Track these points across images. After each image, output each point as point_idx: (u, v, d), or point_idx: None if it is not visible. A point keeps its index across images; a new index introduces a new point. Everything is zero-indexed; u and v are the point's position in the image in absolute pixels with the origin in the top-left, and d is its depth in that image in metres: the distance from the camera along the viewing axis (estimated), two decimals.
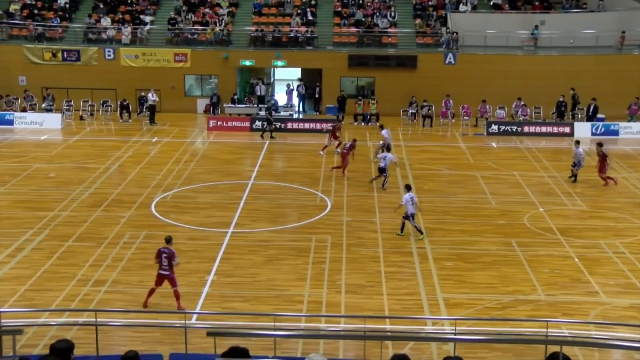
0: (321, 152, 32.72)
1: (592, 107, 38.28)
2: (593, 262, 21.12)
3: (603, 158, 28.28)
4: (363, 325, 14.97)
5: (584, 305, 18.51)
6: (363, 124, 39.31)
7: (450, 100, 39.50)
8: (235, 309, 17.83)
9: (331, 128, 33.25)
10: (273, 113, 38.19)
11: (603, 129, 36.79)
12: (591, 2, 44.84)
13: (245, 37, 43.10)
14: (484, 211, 25.56)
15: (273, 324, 15.19)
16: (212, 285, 19.26)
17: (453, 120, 39.43)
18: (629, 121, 37.69)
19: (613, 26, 41.84)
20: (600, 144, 28.53)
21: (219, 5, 45.26)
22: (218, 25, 43.53)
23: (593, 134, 36.73)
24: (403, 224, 23.12)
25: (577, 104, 39.44)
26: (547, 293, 19.15)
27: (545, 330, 14.75)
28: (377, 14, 43.81)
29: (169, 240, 17.84)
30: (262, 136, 36.31)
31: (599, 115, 38.28)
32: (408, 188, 23.66)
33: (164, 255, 17.54)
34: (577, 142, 29.66)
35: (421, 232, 22.93)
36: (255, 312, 17.54)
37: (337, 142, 32.79)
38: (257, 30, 43.14)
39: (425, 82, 40.33)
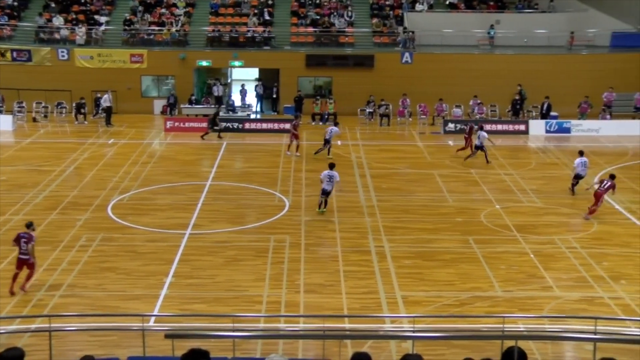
0: (288, 153, 32.66)
1: (545, 105, 38.86)
2: (548, 257, 21.46)
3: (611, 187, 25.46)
4: (322, 325, 15.01)
5: (539, 300, 18.81)
6: (321, 123, 39.37)
7: (408, 99, 39.77)
8: (194, 310, 17.73)
9: (291, 126, 33.12)
10: (230, 113, 38.02)
11: (556, 127, 37.37)
12: (542, 3, 45.55)
13: (202, 38, 42.88)
14: (442, 209, 25.79)
15: (232, 325, 15.14)
16: (170, 287, 19.13)
17: (410, 119, 39.70)
18: (579, 119, 38.34)
19: (563, 27, 42.64)
20: (612, 176, 25.50)
21: (175, 5, 44.93)
22: (175, 25, 43.23)
23: (547, 131, 37.30)
24: (322, 201, 24.79)
25: (524, 99, 40.05)
26: (504, 289, 19.41)
27: (502, 325, 14.94)
28: (334, 13, 43.91)
29: (29, 225, 18.60)
30: (208, 132, 36.19)
31: (552, 113, 38.87)
32: (331, 166, 25.25)
33: (22, 239, 18.21)
34: (580, 153, 28.06)
35: (319, 207, 24.73)
36: (214, 314, 17.46)
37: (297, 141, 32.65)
38: (214, 30, 42.93)
39: (383, 81, 40.53)
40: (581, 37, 42.39)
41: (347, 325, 17.20)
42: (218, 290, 19.03)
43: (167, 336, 10.40)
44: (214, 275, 20.00)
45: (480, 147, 31.26)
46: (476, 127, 32.46)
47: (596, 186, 25.23)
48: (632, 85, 39.79)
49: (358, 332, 16.15)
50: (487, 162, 31.11)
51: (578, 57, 41.39)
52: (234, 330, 14.47)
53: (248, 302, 18.47)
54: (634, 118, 38.68)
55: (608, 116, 38.70)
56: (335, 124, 33.29)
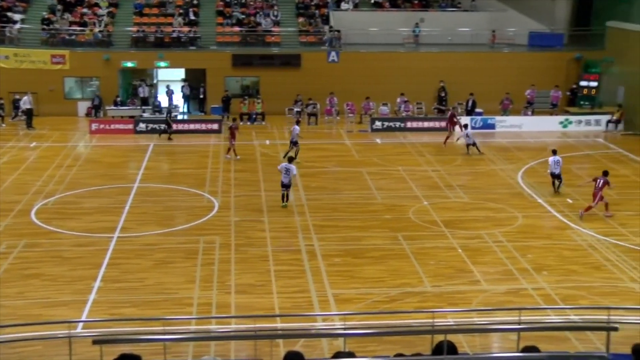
0: (227, 156, 32.06)
1: (470, 102, 39.63)
2: (475, 252, 21.91)
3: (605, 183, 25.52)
4: (254, 325, 14.97)
5: (467, 294, 19.19)
6: (249, 123, 39.22)
7: (335, 98, 39.94)
8: (123, 314, 17.45)
9: (230, 130, 32.46)
10: (156, 115, 37.51)
11: (481, 123, 38.12)
12: (465, 2, 46.46)
13: (126, 38, 42.15)
14: (371, 207, 26.02)
15: (163, 328, 14.95)
16: (98, 291, 18.78)
17: (338, 118, 39.89)
18: (501, 115, 39.22)
19: (485, 25, 43.62)
20: (605, 173, 25.64)
21: (97, 5, 44.01)
22: (97, 25, 42.35)
23: (472, 127, 37.95)
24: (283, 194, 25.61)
25: (446, 93, 40.78)
26: (433, 284, 19.73)
27: (431, 320, 15.16)
28: (260, 13, 43.78)
29: None
30: (160, 135, 35.71)
31: (477, 110, 39.67)
32: (289, 160, 26.42)
33: None
34: (554, 152, 28.13)
35: (282, 201, 25.63)
36: (144, 317, 17.21)
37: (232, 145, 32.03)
38: (138, 30, 42.25)
39: (310, 80, 40.61)
40: (502, 36, 43.47)
41: (279, 325, 17.21)
42: (148, 294, 18.77)
43: (95, 342, 10.15)
44: (144, 278, 19.73)
45: (474, 144, 32.92)
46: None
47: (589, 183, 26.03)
48: (548, 83, 40.98)
49: (290, 331, 16.16)
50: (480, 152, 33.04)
51: (499, 55, 42.36)
52: (164, 333, 14.27)
53: (178, 304, 18.28)
54: (551, 114, 39.77)
55: (530, 112, 39.70)
56: (297, 122, 33.12)
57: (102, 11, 43.48)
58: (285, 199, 25.73)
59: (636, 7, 39.38)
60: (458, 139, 34.51)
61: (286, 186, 25.57)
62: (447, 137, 34.76)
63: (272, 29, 43.11)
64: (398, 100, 40.36)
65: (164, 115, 37.43)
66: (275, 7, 44.50)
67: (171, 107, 38.82)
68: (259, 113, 39.68)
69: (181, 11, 43.49)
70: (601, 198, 24.89)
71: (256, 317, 16.23)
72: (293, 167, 25.67)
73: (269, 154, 32.89)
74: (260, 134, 36.90)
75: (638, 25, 38.15)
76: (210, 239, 22.67)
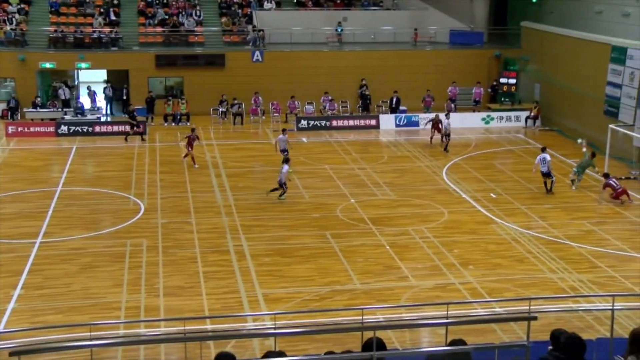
0: (196, 166, 30.81)
1: (394, 100, 40.10)
2: (403, 248, 22.21)
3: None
4: (183, 327, 14.84)
5: (396, 290, 19.46)
6: (173, 124, 38.74)
7: (260, 97, 39.83)
8: (47, 322, 17.02)
9: (187, 138, 31.57)
10: (79, 117, 36.66)
11: (406, 121, 38.63)
12: (387, 1, 47.01)
13: (43, 38, 41.04)
14: (298, 206, 26.09)
15: (89, 333, 14.64)
16: (19, 299, 18.27)
17: (263, 117, 39.80)
18: (424, 112, 39.81)
19: (407, 24, 44.27)
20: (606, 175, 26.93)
21: (7, 2, 42.39)
22: (8, 24, 40.91)
23: (397, 125, 38.48)
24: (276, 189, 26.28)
25: (367, 90, 41.09)
26: (362, 281, 19.92)
27: (361, 317, 15.31)
28: (183, 13, 43.31)
29: None
30: (126, 139, 34.91)
31: (401, 107, 40.17)
32: (285, 161, 26.76)
33: None
34: (543, 149, 28.24)
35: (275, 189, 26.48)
36: (68, 324, 16.81)
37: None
38: (56, 30, 41.17)
39: (234, 80, 40.40)
40: (424, 34, 44.19)
41: (209, 326, 17.10)
42: (73, 299, 18.39)
43: (11, 354, 9.67)
44: (69, 283, 19.31)
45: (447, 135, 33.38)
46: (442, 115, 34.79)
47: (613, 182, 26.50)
48: (470, 80, 41.89)
49: (220, 332, 16.07)
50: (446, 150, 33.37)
51: (422, 53, 43.01)
52: (91, 339, 14.01)
53: (106, 309, 17.97)
54: (474, 111, 40.62)
55: (452, 109, 40.32)
56: (283, 131, 31.83)
57: (13, 8, 42.00)
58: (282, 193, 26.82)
59: (545, 9, 40.83)
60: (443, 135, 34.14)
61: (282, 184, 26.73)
62: (432, 137, 35.07)
63: (196, 29, 42.72)
64: (322, 99, 40.53)
65: (127, 115, 36.35)
66: (198, 7, 44.08)
67: (133, 108, 37.41)
68: (183, 114, 39.24)
69: (101, 11, 42.62)
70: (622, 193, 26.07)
71: (185, 320, 16.07)
72: (285, 167, 26.70)
73: (195, 155, 32.51)
74: (186, 135, 36.45)
75: (549, 26, 39.47)
76: (137, 242, 22.35)
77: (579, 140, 30.91)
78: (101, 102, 41.04)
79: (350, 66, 41.55)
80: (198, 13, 43.56)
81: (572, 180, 28.12)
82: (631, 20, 33.69)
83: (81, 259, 20.94)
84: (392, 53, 42.30)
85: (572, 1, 38.84)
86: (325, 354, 9.36)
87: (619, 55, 32.72)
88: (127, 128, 35.86)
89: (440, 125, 34.23)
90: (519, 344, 7.88)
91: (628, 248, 22.31)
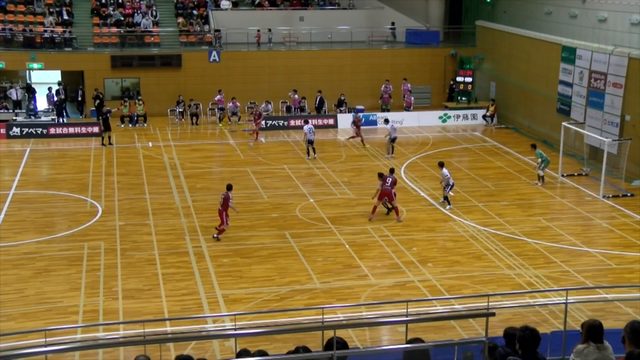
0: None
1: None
2: (362, 247, 22.32)
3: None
4: (143, 330, 14.72)
5: (355, 289, 19.54)
6: (130, 125, 38.35)
7: (219, 96, 39.51)
8: None
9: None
10: (32, 118, 36.03)
11: (363, 120, 38.76)
12: (343, 1, 47.15)
13: None
14: (257, 206, 26.03)
15: (44, 339, 14.43)
16: None
17: (239, 121, 39.39)
18: (383, 110, 40.03)
19: (363, 23, 44.48)
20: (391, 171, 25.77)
21: None
22: None
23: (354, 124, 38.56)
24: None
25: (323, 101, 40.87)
26: (322, 281, 19.97)
27: (321, 316, 15.36)
28: (138, 13, 42.88)
29: None
30: (103, 144, 34.23)
31: (358, 107, 40.27)
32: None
33: None
34: (441, 164, 26.61)
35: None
36: (20, 331, 16.50)
37: None
38: (3, 29, 40.23)
39: (192, 80, 40.15)
40: (380, 33, 44.45)
41: (169, 329, 16.99)
42: (27, 305, 18.09)
43: None
44: (22, 289, 18.99)
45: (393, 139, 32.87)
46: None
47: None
48: (427, 79, 42.29)
49: (180, 334, 15.99)
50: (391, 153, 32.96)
51: (379, 52, 43.25)
52: (45, 345, 13.80)
53: (62, 313, 17.73)
54: (405, 109, 40.78)
55: (410, 105, 40.56)
56: (306, 123, 33.44)
57: None
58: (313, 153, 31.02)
59: (499, 8, 41.42)
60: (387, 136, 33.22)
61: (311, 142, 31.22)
62: (353, 137, 35.05)
63: (152, 29, 42.33)
64: (292, 95, 40.22)
65: (99, 117, 35.70)
66: (154, 7, 43.68)
67: (106, 109, 36.72)
68: (140, 115, 38.85)
69: (52, 10, 41.86)
70: (391, 198, 24.52)
71: (145, 322, 15.93)
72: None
73: (151, 157, 32.31)
74: (143, 136, 36.18)
75: (503, 25, 40.04)
76: (94, 245, 22.09)
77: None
78: (56, 103, 40.30)
79: (307, 65, 41.58)
80: (154, 13, 43.17)
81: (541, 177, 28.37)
82: (578, 22, 34.44)
83: (35, 264, 20.62)
84: (348, 52, 42.44)
85: (523, 1, 39.46)
86: (287, 354, 9.36)
87: (569, 55, 33.32)
88: (94, 129, 35.24)
89: (359, 125, 34.88)
90: (478, 340, 7.98)
91: (580, 243, 22.75)
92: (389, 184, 24.56)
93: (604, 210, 25.98)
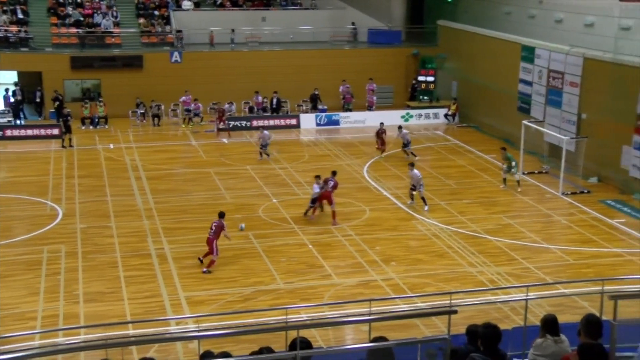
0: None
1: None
2: (325, 247, 22.35)
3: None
4: (104, 334, 14.57)
5: (319, 288, 19.57)
6: (91, 127, 37.91)
7: (184, 97, 39.21)
8: None
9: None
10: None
11: (326, 120, 38.86)
12: (305, 1, 47.19)
13: None
14: (220, 207, 25.75)
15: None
16: None
17: (202, 122, 39.12)
18: (345, 110, 40.14)
19: (326, 23, 44.57)
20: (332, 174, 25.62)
21: None
22: None
23: (317, 124, 38.66)
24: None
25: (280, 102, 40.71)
26: (286, 281, 19.97)
27: (285, 317, 15.34)
28: (98, 13, 42.39)
29: None
30: (63, 146, 33.70)
31: (321, 107, 40.34)
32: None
33: None
34: (412, 165, 26.78)
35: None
36: None
37: None
38: None
39: (153, 81, 39.81)
40: (342, 33, 44.56)
41: (131, 332, 16.82)
42: None
43: None
44: None
45: (407, 143, 32.07)
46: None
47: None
48: (390, 78, 42.49)
49: (143, 337, 15.85)
50: (414, 154, 32.12)
51: (341, 52, 43.34)
52: (1, 353, 13.56)
53: (19, 319, 17.45)
54: (368, 108, 40.94)
55: (373, 105, 40.73)
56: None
57: None
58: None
59: (460, 8, 41.81)
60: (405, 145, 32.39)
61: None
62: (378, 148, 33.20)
63: (113, 30, 41.90)
64: (257, 98, 40.11)
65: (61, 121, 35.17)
66: (114, 8, 43.22)
67: (67, 111, 36.07)
68: (101, 117, 38.42)
69: (5, 8, 41.02)
70: (330, 201, 24.47)
71: (106, 325, 15.77)
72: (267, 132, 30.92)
73: (113, 158, 32.00)
74: (104, 138, 35.80)
75: (464, 25, 40.40)
76: (54, 248, 21.81)
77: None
78: (13, 105, 39.57)
79: (270, 65, 41.50)
80: (115, 14, 42.72)
81: (518, 181, 28.30)
82: (536, 22, 34.91)
83: None
84: (311, 52, 42.46)
85: (484, 1, 39.84)
86: (250, 354, 9.33)
87: (529, 54, 33.76)
88: (54, 131, 34.78)
89: (384, 136, 32.85)
90: (441, 338, 8.04)
91: (541, 240, 23.06)
92: (330, 187, 24.60)
93: (563, 207, 26.37)
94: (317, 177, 24.87)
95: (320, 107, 40.30)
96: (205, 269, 20.52)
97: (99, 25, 41.80)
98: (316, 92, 40.13)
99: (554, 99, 31.71)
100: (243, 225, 23.42)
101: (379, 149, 33.00)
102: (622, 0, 27.35)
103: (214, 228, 20.67)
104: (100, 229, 23.63)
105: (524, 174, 29.58)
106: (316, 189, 24.41)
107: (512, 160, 27.92)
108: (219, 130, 36.31)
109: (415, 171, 25.93)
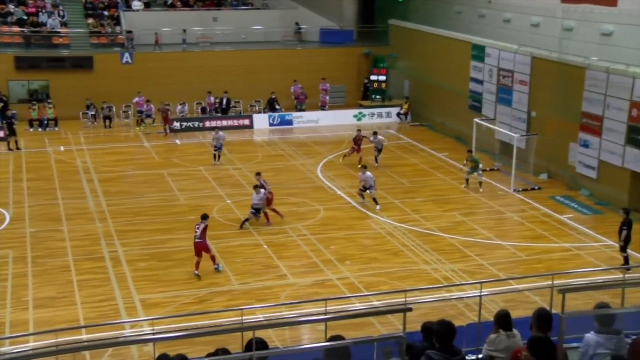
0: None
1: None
2: (280, 247, 22.34)
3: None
4: (55, 340, 14.32)
5: (275, 289, 19.55)
6: (40, 129, 37.24)
7: (136, 99, 38.77)
8: None
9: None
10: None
11: (279, 120, 38.81)
12: (256, 1, 47.04)
13: None
14: (174, 208, 25.72)
15: None
16: None
17: (154, 123, 38.67)
18: (298, 110, 40.14)
19: (277, 23, 44.55)
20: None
21: None
22: None
23: (271, 124, 38.59)
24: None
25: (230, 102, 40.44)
26: (241, 282, 19.90)
27: (241, 318, 15.29)
28: (43, 12, 41.54)
29: None
30: (10, 149, 32.93)
31: (279, 111, 40.21)
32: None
33: None
34: (364, 167, 26.67)
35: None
36: None
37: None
38: None
39: (104, 82, 39.26)
40: (294, 33, 44.52)
41: (85, 336, 16.58)
42: None
43: None
44: None
45: (380, 150, 30.92)
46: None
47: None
48: (342, 78, 42.66)
49: (96, 341, 15.63)
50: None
51: (293, 52, 43.32)
52: None
53: None
54: (322, 108, 41.07)
55: (325, 104, 40.79)
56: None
57: None
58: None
59: (411, 7, 42.20)
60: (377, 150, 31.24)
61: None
62: (345, 155, 31.60)
63: (61, 30, 41.19)
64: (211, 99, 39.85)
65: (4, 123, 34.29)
66: (61, 7, 42.44)
67: (12, 113, 35.15)
68: (51, 118, 37.76)
69: None
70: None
71: (57, 331, 15.49)
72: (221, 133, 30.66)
73: (64, 161, 31.50)
74: (54, 140, 35.21)
75: (415, 24, 40.75)
76: (2, 254, 21.36)
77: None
78: None
79: (223, 66, 41.27)
80: (61, 13, 41.99)
81: (480, 182, 28.36)
82: (486, 21, 35.40)
83: None
84: (263, 52, 42.37)
85: (434, 1, 40.24)
86: (206, 356, 9.28)
87: (479, 53, 34.20)
88: None
89: (359, 141, 31.15)
90: (397, 335, 8.09)
91: (494, 236, 23.38)
92: (269, 188, 24.52)
93: (515, 204, 26.77)
94: (256, 187, 24.19)
95: (278, 111, 40.09)
96: (216, 266, 20.48)
97: (44, 24, 41.00)
98: (273, 97, 39.99)
99: (504, 97, 32.17)
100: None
101: (348, 156, 31.29)
102: (564, 2, 27.87)
103: (198, 231, 20.28)
104: (51, 232, 23.25)
105: (465, 165, 29.79)
106: (255, 199, 24.05)
107: (478, 163, 28.12)
108: (167, 132, 36.03)
109: (368, 173, 26.01)
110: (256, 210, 23.76)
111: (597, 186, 27.05)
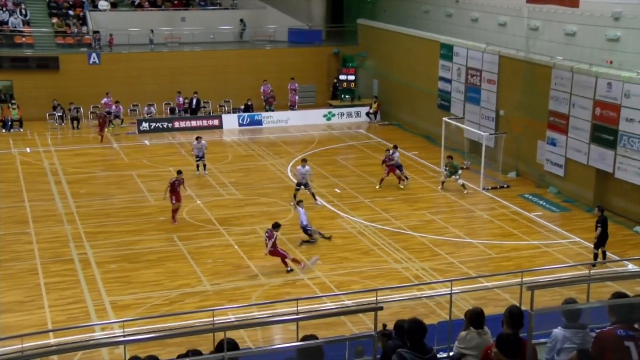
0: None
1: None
2: (251, 247, 22.30)
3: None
4: (21, 345, 14.14)
5: (246, 289, 19.52)
6: (4, 130, 36.74)
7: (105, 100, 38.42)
8: None
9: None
10: None
11: (249, 120, 38.72)
12: (224, 1, 46.88)
13: None
14: (144, 209, 25.56)
15: None
16: None
17: (123, 125, 38.34)
18: (267, 110, 40.09)
19: (246, 23, 44.38)
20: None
21: None
22: None
23: (240, 124, 38.48)
24: None
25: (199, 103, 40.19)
26: (212, 282, 19.84)
27: (212, 319, 15.24)
28: (4, 10, 40.85)
29: None
30: None
31: (242, 107, 40.13)
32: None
33: None
34: (304, 161, 26.45)
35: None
36: None
37: None
38: None
39: (71, 83, 38.87)
40: (263, 33, 44.50)
41: (53, 340, 16.42)
42: None
43: None
44: None
45: (399, 166, 28.76)
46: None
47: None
48: (311, 77, 42.73)
49: (65, 345, 15.48)
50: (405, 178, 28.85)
51: (262, 52, 43.25)
52: None
53: None
54: (291, 109, 41.10)
55: (295, 104, 40.79)
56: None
57: None
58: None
59: (379, 7, 42.38)
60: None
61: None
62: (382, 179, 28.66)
63: (24, 29, 40.63)
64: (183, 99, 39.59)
65: None
66: (23, 5, 41.75)
67: None
68: (15, 119, 37.26)
69: None
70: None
71: (23, 336, 15.29)
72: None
73: (30, 163, 31.13)
74: (19, 141, 34.78)
75: (383, 24, 40.94)
76: None
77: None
78: None
79: (191, 66, 41.10)
80: (24, 12, 41.34)
81: (463, 185, 28.33)
82: (454, 20, 35.67)
83: None
84: (232, 52, 42.26)
85: (402, 0, 40.42)
86: (177, 357, 9.24)
87: (447, 52, 34.43)
88: None
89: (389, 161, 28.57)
90: (368, 334, 8.14)
91: (464, 235, 23.56)
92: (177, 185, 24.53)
93: (484, 202, 26.99)
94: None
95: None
96: (303, 265, 20.62)
97: (6, 23, 40.35)
98: (249, 103, 39.80)
99: (472, 96, 32.43)
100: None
101: (385, 178, 28.58)
102: (529, 2, 28.18)
103: (268, 243, 20.36)
104: (17, 235, 22.98)
105: (445, 169, 29.97)
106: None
107: (457, 169, 28.12)
108: (102, 138, 35.23)
109: (307, 167, 26.10)
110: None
111: (565, 184, 27.40)
